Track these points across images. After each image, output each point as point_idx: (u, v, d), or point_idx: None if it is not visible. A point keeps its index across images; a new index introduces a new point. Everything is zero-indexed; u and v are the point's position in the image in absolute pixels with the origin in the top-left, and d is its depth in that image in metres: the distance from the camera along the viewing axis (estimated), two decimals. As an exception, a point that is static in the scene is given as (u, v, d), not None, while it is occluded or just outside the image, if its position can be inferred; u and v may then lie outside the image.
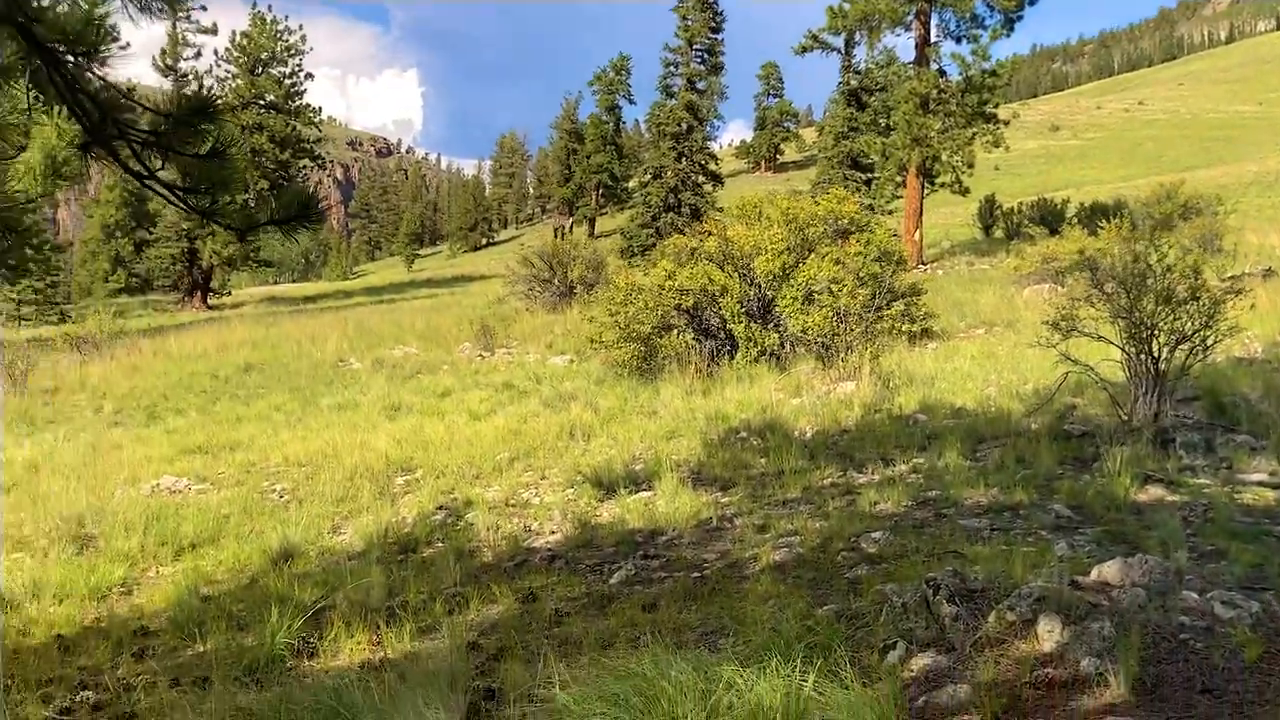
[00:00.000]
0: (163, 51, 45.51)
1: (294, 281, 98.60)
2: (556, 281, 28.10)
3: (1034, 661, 4.32)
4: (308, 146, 52.87)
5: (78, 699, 5.70)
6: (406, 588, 7.25)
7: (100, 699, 5.71)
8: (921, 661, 4.63)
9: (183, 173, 5.39)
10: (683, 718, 4.05)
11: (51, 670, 6.12)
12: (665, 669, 4.36)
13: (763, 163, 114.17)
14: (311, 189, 5.55)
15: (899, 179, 35.49)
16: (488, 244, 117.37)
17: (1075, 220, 33.96)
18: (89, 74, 4.94)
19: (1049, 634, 4.51)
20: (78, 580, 7.88)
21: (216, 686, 5.45)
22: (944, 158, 32.81)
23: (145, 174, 5.20)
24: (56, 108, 5.18)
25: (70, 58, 4.64)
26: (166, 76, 44.18)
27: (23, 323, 47.01)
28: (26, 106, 5.03)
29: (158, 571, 8.45)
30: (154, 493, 11.25)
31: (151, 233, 60.42)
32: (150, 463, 12.89)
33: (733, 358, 15.61)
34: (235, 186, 5.52)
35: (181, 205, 5.22)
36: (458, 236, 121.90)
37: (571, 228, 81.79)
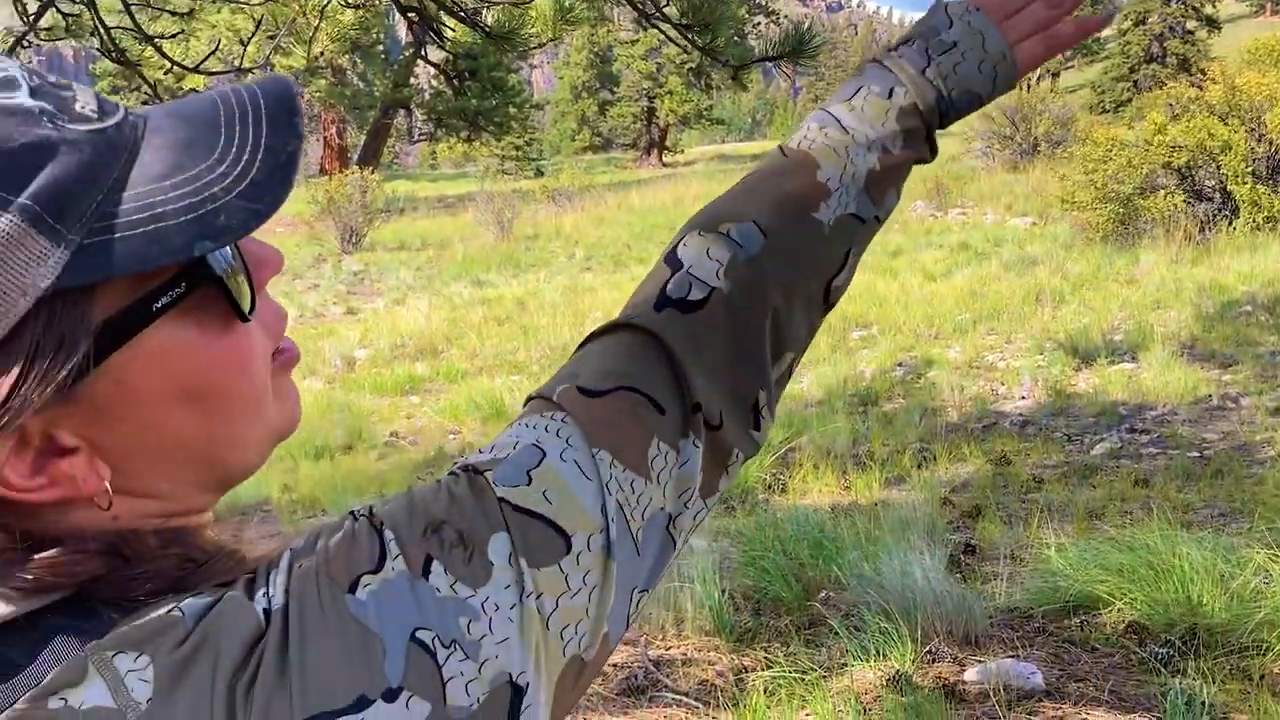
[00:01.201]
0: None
1: (740, 141, 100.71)
2: (1018, 138, 26.25)
3: None
4: (762, 2, 52.92)
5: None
6: (871, 438, 7.22)
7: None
8: None
9: (683, 10, 5.50)
10: (1200, 598, 3.68)
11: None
12: (1174, 545, 3.99)
13: (1268, 4, 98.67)
14: (807, 24, 5.46)
15: None
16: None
17: None
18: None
19: None
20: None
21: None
22: None
23: (652, 11, 5.35)
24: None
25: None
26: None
27: (505, 176, 52.01)
28: (547, -53, 5.31)
29: (635, 401, 9.09)
30: (626, 331, 12.08)
31: (614, 93, 64.07)
32: (620, 306, 13.83)
33: (1231, 224, 13.79)
34: (731, 24, 5.55)
35: (684, 42, 5.33)
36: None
37: (1039, 80, 75.92)
